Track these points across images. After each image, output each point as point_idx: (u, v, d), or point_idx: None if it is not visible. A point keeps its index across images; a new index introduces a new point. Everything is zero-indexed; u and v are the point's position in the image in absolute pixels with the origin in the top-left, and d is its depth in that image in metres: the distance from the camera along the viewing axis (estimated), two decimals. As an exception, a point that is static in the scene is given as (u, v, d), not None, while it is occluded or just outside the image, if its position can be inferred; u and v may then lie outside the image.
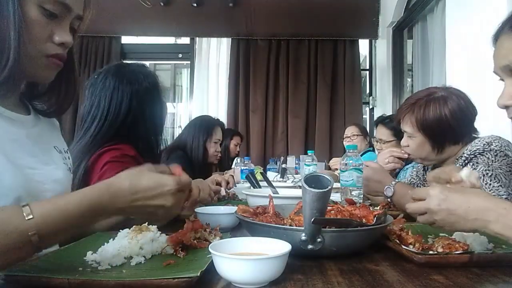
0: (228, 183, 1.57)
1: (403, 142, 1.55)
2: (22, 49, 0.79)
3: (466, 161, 1.37)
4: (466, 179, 0.90)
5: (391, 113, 4.21)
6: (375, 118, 4.42)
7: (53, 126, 1.02)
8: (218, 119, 2.91)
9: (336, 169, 2.97)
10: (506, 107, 0.89)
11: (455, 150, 1.47)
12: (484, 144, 1.35)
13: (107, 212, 0.73)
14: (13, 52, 0.77)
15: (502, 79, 0.91)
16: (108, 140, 1.40)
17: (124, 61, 3.90)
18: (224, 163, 3.63)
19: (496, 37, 0.91)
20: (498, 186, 1.27)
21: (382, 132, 2.62)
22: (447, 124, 1.41)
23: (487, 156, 1.33)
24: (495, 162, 1.32)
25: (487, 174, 1.29)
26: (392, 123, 2.58)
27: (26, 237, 0.64)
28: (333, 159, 3.28)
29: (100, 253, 0.78)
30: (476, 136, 1.48)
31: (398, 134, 2.50)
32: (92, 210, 0.70)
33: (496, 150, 1.33)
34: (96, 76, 1.49)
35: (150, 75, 1.52)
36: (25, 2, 0.79)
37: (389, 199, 1.36)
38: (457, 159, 1.44)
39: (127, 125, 1.43)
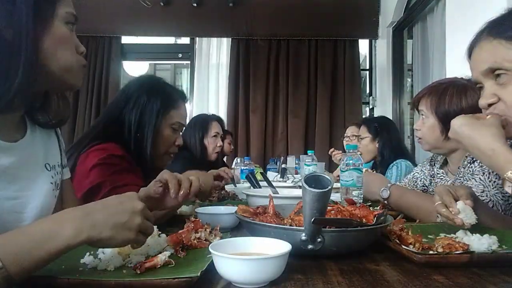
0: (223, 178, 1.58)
1: (417, 125, 1.55)
2: (54, 66, 0.84)
3: (474, 158, 1.37)
4: (462, 212, 0.95)
5: (390, 113, 4.25)
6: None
7: (49, 140, 1.00)
8: (213, 114, 2.91)
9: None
10: (488, 106, 0.98)
11: None
12: None
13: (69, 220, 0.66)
14: (28, 66, 0.78)
15: (480, 86, 1.00)
16: (94, 138, 1.40)
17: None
18: (219, 163, 3.62)
19: (472, 48, 1.00)
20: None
21: (361, 130, 2.82)
22: (461, 113, 1.40)
23: None
24: None
25: (492, 172, 1.29)
26: (370, 122, 2.82)
27: None
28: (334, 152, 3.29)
29: (100, 253, 0.78)
30: None
31: (372, 133, 2.72)
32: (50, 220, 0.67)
33: None
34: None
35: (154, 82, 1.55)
36: (54, 22, 0.84)
37: (385, 201, 1.36)
38: (466, 156, 1.43)
39: (119, 126, 1.44)
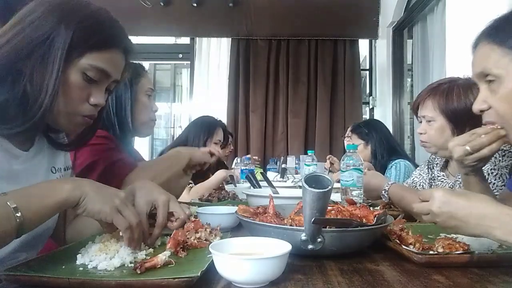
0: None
1: (420, 129, 1.51)
2: (59, 109, 0.87)
3: None
4: None
5: (390, 113, 4.25)
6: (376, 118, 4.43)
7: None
8: (220, 120, 2.90)
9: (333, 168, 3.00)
10: (481, 112, 0.96)
11: None
12: None
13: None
14: (43, 111, 0.84)
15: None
16: None
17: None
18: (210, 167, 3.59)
19: (475, 45, 0.99)
20: (502, 185, 1.26)
21: (353, 138, 2.86)
22: (470, 109, 1.39)
23: (494, 155, 1.33)
24: (502, 161, 1.31)
25: (492, 173, 1.29)
26: (359, 128, 2.85)
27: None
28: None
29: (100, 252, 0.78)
30: None
31: (364, 138, 2.77)
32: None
33: (504, 150, 1.32)
34: None
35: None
36: (69, 68, 0.86)
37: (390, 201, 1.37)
38: None
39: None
